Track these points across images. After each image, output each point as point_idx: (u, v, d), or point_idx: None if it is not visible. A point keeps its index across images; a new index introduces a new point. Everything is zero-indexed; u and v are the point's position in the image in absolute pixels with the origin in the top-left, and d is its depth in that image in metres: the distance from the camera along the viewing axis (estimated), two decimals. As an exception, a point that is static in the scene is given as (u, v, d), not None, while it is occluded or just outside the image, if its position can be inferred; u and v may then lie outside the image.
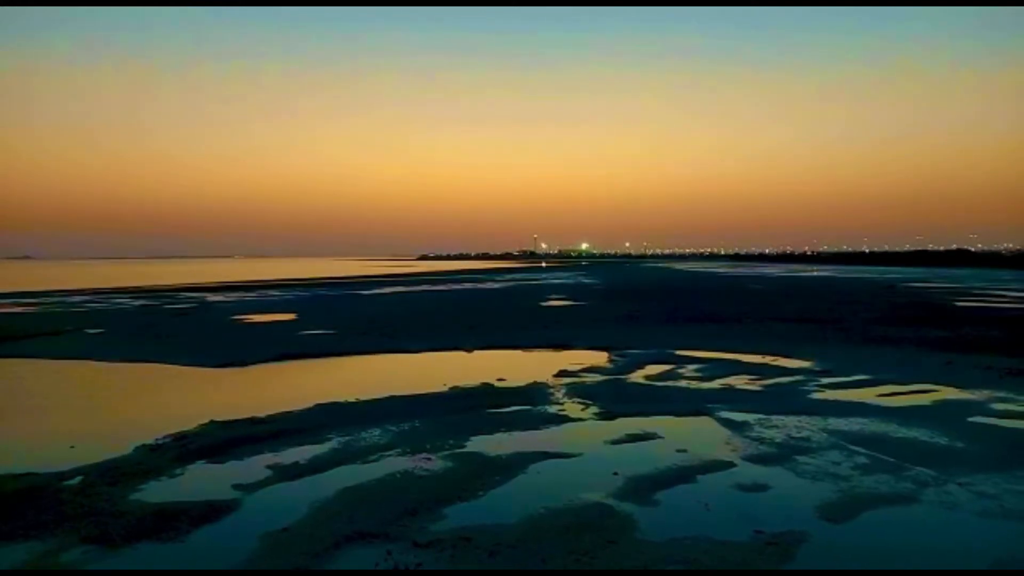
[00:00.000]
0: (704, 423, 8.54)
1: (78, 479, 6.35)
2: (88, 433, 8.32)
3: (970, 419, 8.47)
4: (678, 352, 14.12)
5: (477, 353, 14.88)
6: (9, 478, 6.33)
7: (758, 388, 10.62)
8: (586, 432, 8.13)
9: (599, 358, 13.68)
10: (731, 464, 6.80)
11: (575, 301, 30.61)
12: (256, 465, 6.85)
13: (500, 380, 11.31)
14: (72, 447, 7.53)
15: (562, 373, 12.00)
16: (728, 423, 8.42)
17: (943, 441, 7.53)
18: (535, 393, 10.30)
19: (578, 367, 12.56)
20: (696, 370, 12.17)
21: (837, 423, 8.33)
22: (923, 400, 9.61)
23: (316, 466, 6.79)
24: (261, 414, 8.85)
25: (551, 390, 10.55)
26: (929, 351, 14.00)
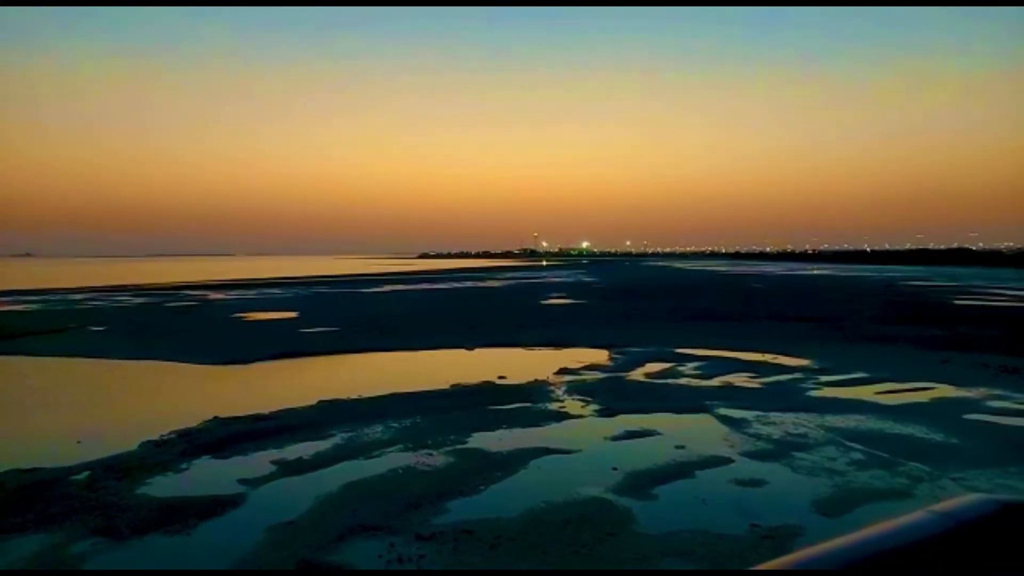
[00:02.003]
0: (703, 420, 8.63)
1: (85, 474, 6.45)
2: (94, 429, 8.42)
3: (965, 416, 8.56)
4: (678, 350, 14.21)
5: (478, 351, 14.96)
6: (18, 472, 6.43)
7: (757, 386, 10.71)
8: (586, 429, 8.22)
9: (599, 356, 13.77)
10: (729, 460, 6.89)
11: (576, 300, 30.68)
12: (260, 461, 6.94)
13: (501, 378, 11.40)
14: (79, 442, 7.63)
15: (562, 371, 12.09)
16: (727, 420, 8.51)
17: (938, 438, 7.62)
18: (536, 391, 10.39)
19: (578, 365, 12.65)
20: (696, 368, 12.26)
21: (834, 420, 8.42)
22: (919, 398, 9.70)
23: (319, 461, 6.89)
24: (264, 411, 8.95)
25: (552, 388, 10.64)
26: (926, 349, 14.09)
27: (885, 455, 6.97)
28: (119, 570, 4.61)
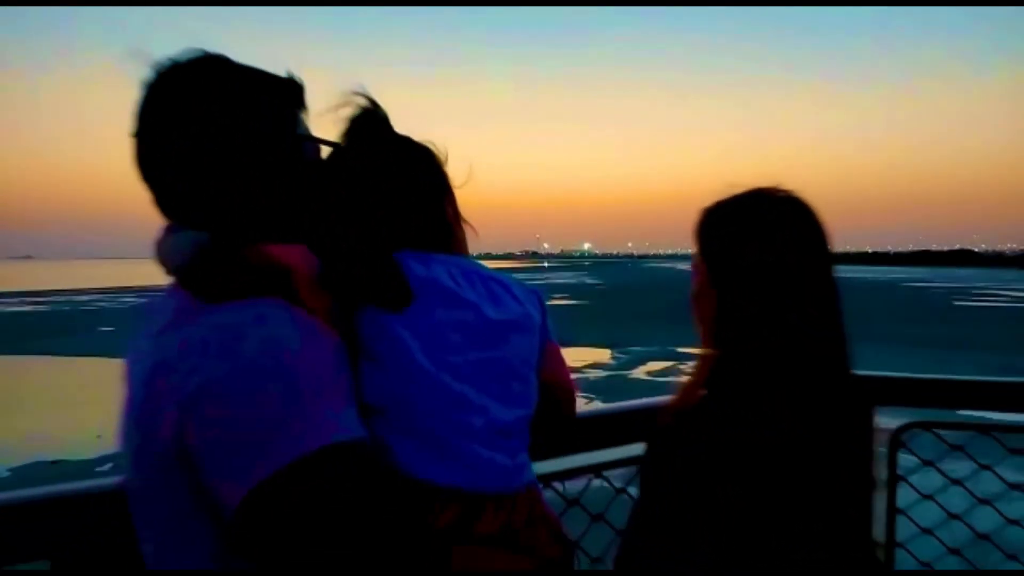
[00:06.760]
0: (703, 417, 8.83)
1: (108, 465, 6.69)
2: (112, 425, 8.62)
3: (959, 413, 8.75)
4: (679, 349, 14.40)
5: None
6: (44, 465, 6.67)
7: (757, 384, 10.92)
8: (589, 425, 8.43)
9: (602, 355, 13.99)
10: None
11: (578, 300, 30.92)
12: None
13: (505, 376, 11.61)
14: (99, 436, 7.87)
15: (566, 370, 12.30)
16: (727, 416, 8.71)
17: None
18: (540, 388, 10.60)
19: (581, 363, 12.86)
20: (696, 367, 12.46)
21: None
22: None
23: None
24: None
25: (555, 385, 10.85)
26: (923, 349, 14.30)
27: (881, 449, 7.16)
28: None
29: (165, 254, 0.72)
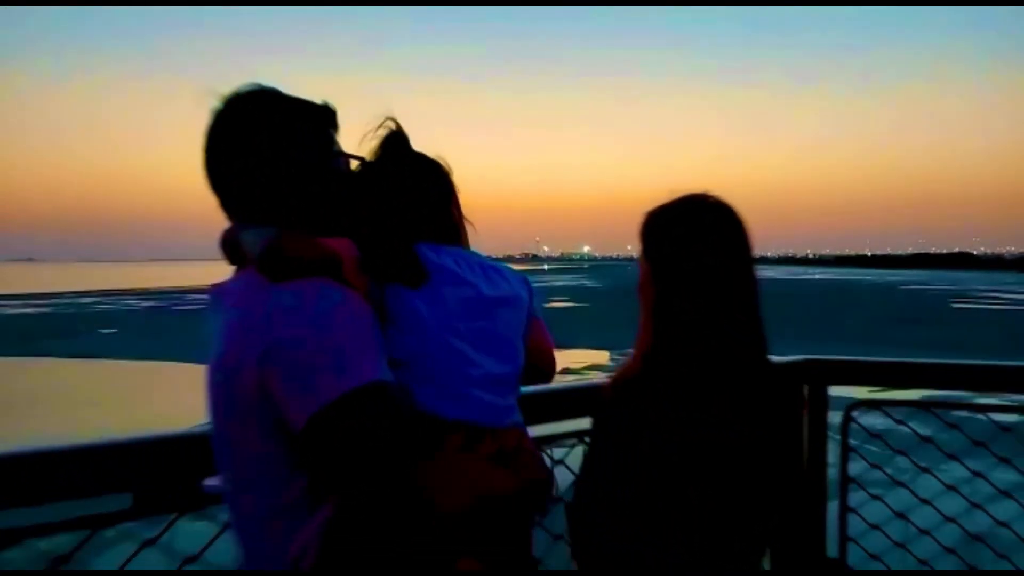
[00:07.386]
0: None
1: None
2: (114, 426, 8.80)
3: (953, 412, 8.90)
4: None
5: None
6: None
7: (752, 384, 11.06)
8: (587, 423, 8.58)
9: (601, 357, 14.13)
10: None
11: (577, 303, 31.05)
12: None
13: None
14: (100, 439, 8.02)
15: (564, 371, 12.43)
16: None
17: (926, 433, 7.96)
18: (539, 388, 10.74)
19: (580, 365, 13.01)
20: (693, 368, 12.59)
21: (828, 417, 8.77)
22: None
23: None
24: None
25: (554, 386, 10.98)
26: (921, 351, 14.44)
27: (874, 449, 7.31)
28: (119, 570, 4.94)
29: (244, 246, 0.94)
